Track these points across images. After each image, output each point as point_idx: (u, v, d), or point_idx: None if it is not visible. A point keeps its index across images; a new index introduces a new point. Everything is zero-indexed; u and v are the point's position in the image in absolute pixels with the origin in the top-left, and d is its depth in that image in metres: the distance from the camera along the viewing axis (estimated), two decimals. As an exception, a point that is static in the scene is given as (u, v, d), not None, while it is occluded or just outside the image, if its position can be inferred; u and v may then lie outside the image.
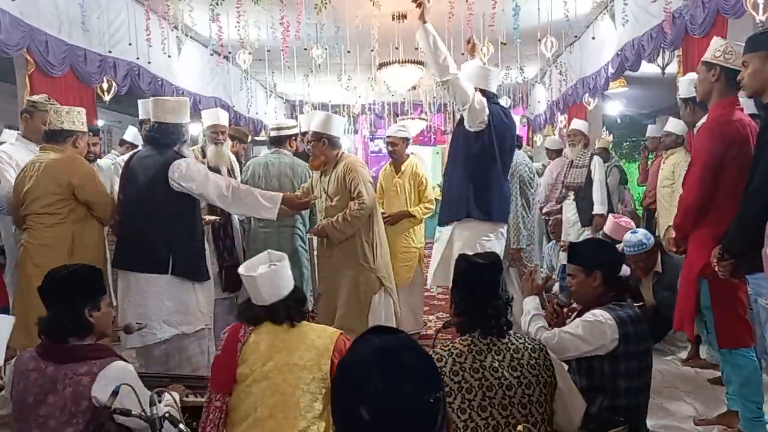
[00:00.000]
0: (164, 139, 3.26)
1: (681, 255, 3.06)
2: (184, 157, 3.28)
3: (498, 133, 3.59)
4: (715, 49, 2.73)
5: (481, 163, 3.59)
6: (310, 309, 4.05)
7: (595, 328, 2.33)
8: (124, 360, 2.16)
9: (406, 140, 5.09)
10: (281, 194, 3.44)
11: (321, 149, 3.83)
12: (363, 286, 3.80)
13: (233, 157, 4.43)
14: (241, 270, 2.24)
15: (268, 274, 2.19)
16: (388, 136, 5.13)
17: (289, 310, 2.20)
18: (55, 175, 3.24)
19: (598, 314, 2.36)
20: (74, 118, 3.41)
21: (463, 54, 6.66)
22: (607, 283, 2.48)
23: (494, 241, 3.63)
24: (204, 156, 4.15)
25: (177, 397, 2.08)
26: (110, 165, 4.86)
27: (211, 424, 2.12)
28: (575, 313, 2.62)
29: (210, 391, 2.18)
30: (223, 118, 4.30)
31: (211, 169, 3.83)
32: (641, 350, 2.37)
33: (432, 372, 0.98)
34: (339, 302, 3.84)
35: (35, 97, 3.87)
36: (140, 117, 4.56)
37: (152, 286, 3.20)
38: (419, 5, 3.35)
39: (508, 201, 3.91)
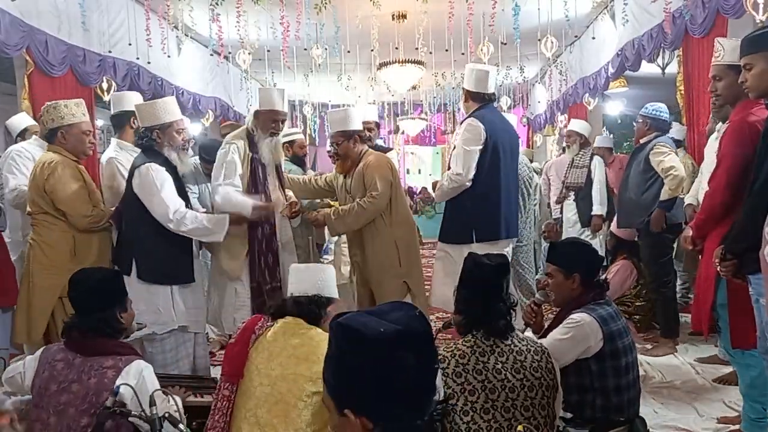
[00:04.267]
0: (141, 142, 3.24)
1: (696, 254, 3.04)
2: (169, 159, 3.23)
3: (497, 144, 3.57)
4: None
5: (484, 180, 3.55)
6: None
7: (579, 332, 2.33)
8: (144, 359, 2.27)
9: None
10: (227, 216, 3.25)
11: (351, 148, 3.62)
12: (389, 294, 3.56)
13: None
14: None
15: (305, 267, 2.38)
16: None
17: (306, 307, 2.23)
18: (37, 180, 3.24)
19: (578, 318, 2.37)
20: (60, 112, 3.30)
21: (462, 54, 6.70)
22: (586, 284, 2.49)
23: None
24: (251, 146, 3.47)
25: (179, 401, 2.11)
26: None
27: (219, 413, 2.15)
28: (555, 316, 2.61)
29: (221, 379, 2.21)
30: (287, 104, 3.61)
31: (261, 165, 3.46)
32: (625, 346, 2.40)
33: (433, 343, 1.16)
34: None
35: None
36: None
37: (126, 284, 3.17)
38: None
39: (516, 214, 3.86)
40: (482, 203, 3.56)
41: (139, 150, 3.33)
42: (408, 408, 1.08)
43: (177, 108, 3.35)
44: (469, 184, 3.53)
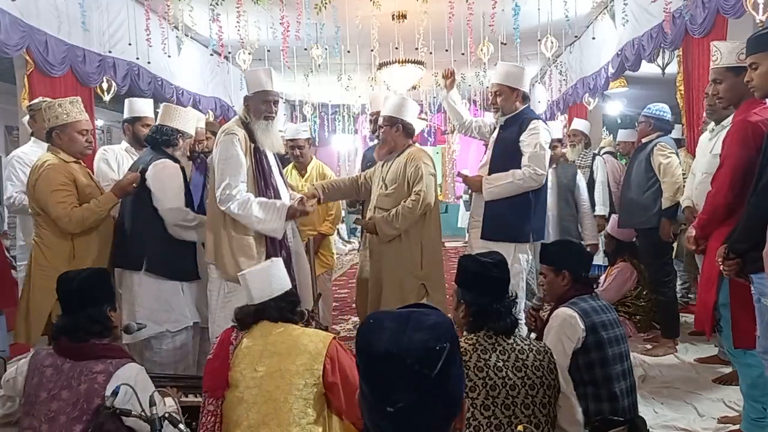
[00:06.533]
0: (161, 138, 3.28)
1: (700, 254, 3.03)
2: (177, 160, 3.29)
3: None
4: (737, 53, 2.69)
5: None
6: (311, 309, 3.98)
7: (565, 325, 2.42)
8: (136, 362, 2.20)
9: (309, 140, 4.80)
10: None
11: (393, 135, 3.58)
12: (406, 294, 3.44)
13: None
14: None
15: (260, 271, 2.27)
16: (290, 140, 4.58)
17: (281, 310, 2.24)
18: (30, 182, 3.24)
19: (561, 314, 2.46)
20: (54, 112, 3.25)
21: (462, 54, 6.70)
22: (575, 281, 2.60)
23: (525, 264, 3.62)
24: (249, 134, 3.21)
25: (174, 400, 2.08)
26: None
27: (203, 428, 2.13)
28: (548, 313, 2.68)
29: (204, 395, 2.20)
30: (276, 83, 3.28)
31: (265, 156, 3.25)
32: (611, 337, 2.46)
33: (440, 328, 1.06)
34: (382, 307, 3.51)
35: (31, 103, 3.86)
36: (126, 116, 3.97)
37: (136, 283, 3.20)
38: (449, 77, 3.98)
39: (545, 214, 3.88)
40: (540, 203, 3.62)
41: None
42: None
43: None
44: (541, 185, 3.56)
